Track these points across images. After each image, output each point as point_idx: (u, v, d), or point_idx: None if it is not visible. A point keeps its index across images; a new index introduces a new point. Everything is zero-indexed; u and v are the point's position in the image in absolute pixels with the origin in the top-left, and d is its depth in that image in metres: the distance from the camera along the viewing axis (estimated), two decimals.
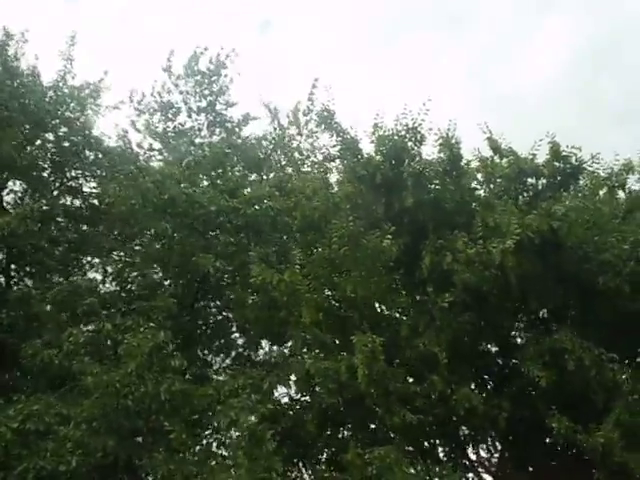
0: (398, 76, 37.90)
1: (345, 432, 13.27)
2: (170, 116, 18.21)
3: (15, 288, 14.08)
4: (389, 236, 11.95)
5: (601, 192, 13.04)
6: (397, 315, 12.37)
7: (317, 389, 12.31)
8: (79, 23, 32.28)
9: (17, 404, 11.53)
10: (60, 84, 15.43)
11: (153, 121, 18.14)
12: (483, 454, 13.36)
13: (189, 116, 18.25)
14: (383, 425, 12.19)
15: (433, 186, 12.79)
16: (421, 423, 11.42)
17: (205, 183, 15.10)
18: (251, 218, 14.39)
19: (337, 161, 13.99)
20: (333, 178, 14.37)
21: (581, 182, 13.31)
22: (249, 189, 15.25)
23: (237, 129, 18.24)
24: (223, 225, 14.55)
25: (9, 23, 15.41)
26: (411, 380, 11.89)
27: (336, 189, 14.13)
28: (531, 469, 12.93)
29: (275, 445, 11.20)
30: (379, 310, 12.81)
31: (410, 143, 12.91)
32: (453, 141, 12.91)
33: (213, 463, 11.78)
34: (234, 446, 11.58)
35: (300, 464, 13.42)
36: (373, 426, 12.97)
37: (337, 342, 12.32)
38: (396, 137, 12.87)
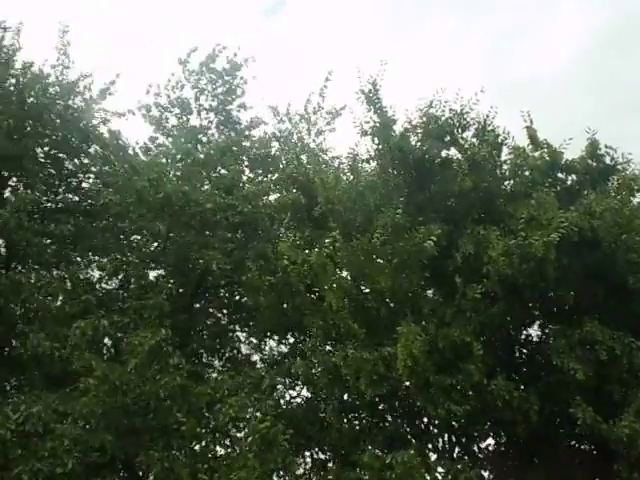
0: (416, 62, 37.68)
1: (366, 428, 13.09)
2: (179, 112, 18.03)
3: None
4: (433, 238, 11.77)
5: (623, 193, 12.99)
6: (426, 311, 12.21)
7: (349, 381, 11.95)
8: (84, 14, 31.98)
9: (17, 404, 11.42)
10: (59, 78, 15.18)
11: (165, 116, 17.94)
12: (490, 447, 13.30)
13: (199, 114, 18.09)
14: (422, 418, 12.21)
15: (478, 174, 12.76)
16: (465, 413, 11.35)
17: (202, 181, 15.00)
18: (248, 216, 14.27)
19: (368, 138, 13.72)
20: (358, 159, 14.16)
21: (609, 183, 13.32)
22: (247, 186, 15.17)
23: (246, 132, 18.07)
24: (220, 223, 14.39)
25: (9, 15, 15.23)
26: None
27: (361, 171, 13.94)
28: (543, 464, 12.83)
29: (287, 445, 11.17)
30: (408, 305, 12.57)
31: (455, 130, 12.98)
32: (492, 128, 13.05)
33: (221, 459, 11.83)
34: (243, 447, 11.46)
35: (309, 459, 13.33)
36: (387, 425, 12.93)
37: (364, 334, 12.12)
38: (443, 119, 12.88)
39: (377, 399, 12.50)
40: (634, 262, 11.80)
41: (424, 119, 13.03)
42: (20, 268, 14.13)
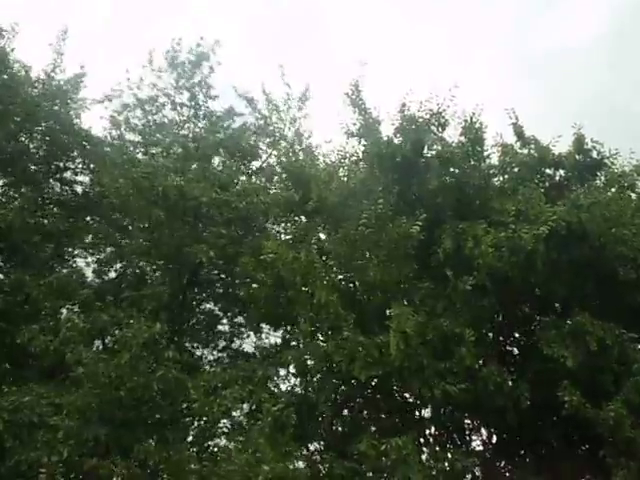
0: (439, 37, 37.56)
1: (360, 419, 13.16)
2: (152, 110, 17.98)
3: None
4: (419, 222, 11.93)
5: (613, 189, 13.18)
6: (415, 301, 12.27)
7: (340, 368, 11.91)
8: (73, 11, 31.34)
9: (8, 395, 11.47)
10: (49, 77, 15.31)
11: (135, 115, 17.88)
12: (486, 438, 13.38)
13: (173, 109, 18.06)
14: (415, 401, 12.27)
15: (455, 170, 12.87)
16: (460, 395, 11.39)
17: (197, 175, 15.03)
18: (242, 211, 14.37)
19: (355, 140, 13.87)
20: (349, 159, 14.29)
21: (597, 178, 13.43)
22: (241, 180, 15.27)
23: (220, 122, 18.07)
24: (213, 218, 14.47)
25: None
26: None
27: (353, 169, 14.09)
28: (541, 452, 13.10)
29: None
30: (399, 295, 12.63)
31: (433, 127, 12.99)
32: (477, 125, 13.05)
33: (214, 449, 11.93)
34: (255, 432, 11.47)
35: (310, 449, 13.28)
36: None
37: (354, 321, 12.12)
38: (420, 119, 12.90)
39: (370, 388, 12.60)
40: (624, 255, 11.96)
41: (401, 121, 13.12)
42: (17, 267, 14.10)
